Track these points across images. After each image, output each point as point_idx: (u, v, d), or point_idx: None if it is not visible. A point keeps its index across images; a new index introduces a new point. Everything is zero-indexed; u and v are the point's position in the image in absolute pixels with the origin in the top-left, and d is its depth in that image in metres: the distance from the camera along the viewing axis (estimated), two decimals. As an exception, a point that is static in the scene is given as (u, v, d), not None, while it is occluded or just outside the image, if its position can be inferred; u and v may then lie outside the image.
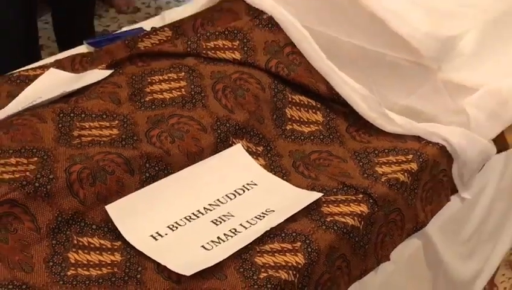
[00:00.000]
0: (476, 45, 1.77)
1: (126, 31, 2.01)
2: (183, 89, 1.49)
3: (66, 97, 1.50)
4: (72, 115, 1.42)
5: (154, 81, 1.52)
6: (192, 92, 1.48)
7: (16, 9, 2.17)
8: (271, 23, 1.62)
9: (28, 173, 1.24)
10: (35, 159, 1.29)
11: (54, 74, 1.63)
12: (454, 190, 1.56)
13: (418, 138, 1.52)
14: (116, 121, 1.42)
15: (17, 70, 1.71)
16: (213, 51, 1.57)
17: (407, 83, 1.66)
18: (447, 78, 1.68)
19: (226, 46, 1.59)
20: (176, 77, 1.52)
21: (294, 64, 1.58)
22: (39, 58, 2.71)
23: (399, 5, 1.73)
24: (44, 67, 1.68)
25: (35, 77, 1.63)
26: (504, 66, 1.77)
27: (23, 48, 2.44)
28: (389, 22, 1.66)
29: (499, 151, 1.65)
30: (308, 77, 1.57)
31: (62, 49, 2.76)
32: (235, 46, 1.59)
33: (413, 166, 1.43)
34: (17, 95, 1.57)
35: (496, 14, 1.85)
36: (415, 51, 1.64)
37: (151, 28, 1.93)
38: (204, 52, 1.57)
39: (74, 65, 1.69)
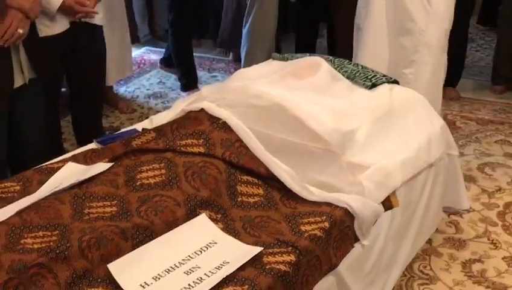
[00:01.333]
0: (367, 135, 1.77)
1: (124, 131, 1.97)
2: (163, 176, 1.46)
3: (80, 183, 1.47)
4: (83, 197, 1.40)
5: (142, 170, 1.49)
6: (170, 177, 1.45)
7: (42, 119, 2.15)
8: (225, 126, 1.61)
9: (51, 243, 1.23)
10: (57, 232, 1.28)
11: (71, 166, 1.61)
12: (357, 239, 1.53)
13: (329, 204, 1.50)
14: (115, 201, 1.40)
15: (45, 163, 1.68)
16: (185, 147, 1.55)
17: (320, 165, 1.63)
18: (348, 160, 1.66)
19: (193, 143, 1.56)
20: (158, 167, 1.49)
21: (242, 154, 1.56)
22: (62, 148, 2.68)
23: (313, 108, 1.73)
24: (64, 161, 1.66)
25: (58, 168, 1.61)
26: (387, 150, 1.76)
27: (50, 142, 2.40)
28: (307, 121, 1.66)
29: (386, 210, 1.64)
30: (252, 162, 1.56)
31: (79, 140, 2.68)
32: (200, 143, 1.56)
33: (326, 224, 1.42)
34: (45, 182, 1.54)
35: (380, 113, 1.87)
36: (325, 141, 1.64)
37: (142, 128, 1.90)
38: (178, 148, 1.55)
39: (86, 159, 1.67)
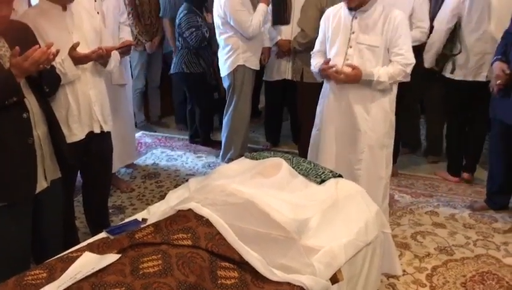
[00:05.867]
0: (318, 223, 1.93)
1: (127, 222, 2.06)
2: (160, 265, 1.57)
3: (95, 272, 1.58)
4: (99, 285, 1.52)
5: (144, 261, 1.60)
6: (165, 267, 1.57)
7: (60, 212, 2.27)
8: (208, 223, 1.74)
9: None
10: (82, 315, 1.39)
11: (87, 256, 1.71)
12: (312, 307, 1.64)
13: (289, 283, 1.62)
14: (123, 288, 1.51)
15: (65, 252, 1.79)
16: (176, 240, 1.67)
17: (282, 249, 1.73)
18: (303, 243, 1.79)
19: (183, 237, 1.68)
20: (156, 258, 1.60)
21: (221, 245, 1.68)
22: (75, 227, 2.81)
23: (276, 203, 1.88)
24: (81, 250, 1.76)
25: (77, 257, 1.70)
26: (333, 234, 1.91)
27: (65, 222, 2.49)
28: (271, 214, 1.81)
29: (333, 284, 1.76)
30: (229, 251, 1.67)
31: (88, 219, 2.81)
32: (188, 237, 1.68)
33: (287, 301, 1.55)
34: (67, 269, 1.64)
35: (328, 205, 2.04)
36: (286, 230, 1.77)
37: (142, 218, 2.05)
38: (172, 241, 1.67)
39: (99, 249, 1.76)
